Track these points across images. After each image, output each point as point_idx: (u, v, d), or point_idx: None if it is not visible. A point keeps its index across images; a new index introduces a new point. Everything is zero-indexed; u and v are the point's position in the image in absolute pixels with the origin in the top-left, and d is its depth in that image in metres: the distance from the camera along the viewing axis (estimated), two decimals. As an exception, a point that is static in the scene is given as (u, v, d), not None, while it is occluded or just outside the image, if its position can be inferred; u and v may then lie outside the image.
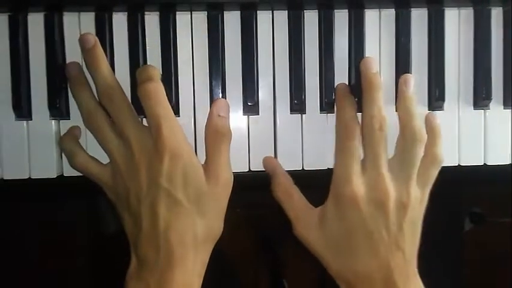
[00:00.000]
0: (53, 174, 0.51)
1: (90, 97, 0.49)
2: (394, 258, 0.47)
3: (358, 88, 0.51)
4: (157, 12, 0.51)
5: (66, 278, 0.82)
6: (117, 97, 0.48)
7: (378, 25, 0.53)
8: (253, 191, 0.64)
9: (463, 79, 0.53)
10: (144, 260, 0.47)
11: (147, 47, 0.51)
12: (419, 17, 0.53)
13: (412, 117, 0.49)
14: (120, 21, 0.51)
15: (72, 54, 0.51)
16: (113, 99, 0.48)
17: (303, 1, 0.51)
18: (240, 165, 0.52)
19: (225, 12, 0.51)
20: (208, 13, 0.51)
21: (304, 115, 0.52)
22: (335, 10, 0.52)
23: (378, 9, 0.53)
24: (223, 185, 0.49)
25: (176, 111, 0.51)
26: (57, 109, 0.51)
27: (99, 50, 0.49)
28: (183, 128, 0.48)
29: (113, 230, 0.82)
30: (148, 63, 0.51)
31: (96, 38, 0.49)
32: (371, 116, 0.48)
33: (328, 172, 0.52)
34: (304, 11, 0.52)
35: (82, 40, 0.49)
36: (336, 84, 0.52)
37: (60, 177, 0.52)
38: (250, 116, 0.52)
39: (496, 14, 0.53)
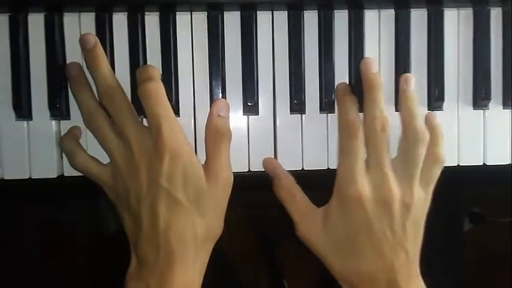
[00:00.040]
0: (53, 174, 0.51)
1: (91, 97, 0.50)
2: (398, 258, 0.47)
3: (359, 88, 0.51)
4: (158, 13, 0.51)
5: (66, 278, 0.82)
6: (118, 97, 0.48)
7: (378, 25, 0.53)
8: (253, 191, 0.64)
9: (463, 79, 0.53)
10: (144, 260, 0.47)
11: (147, 47, 0.51)
12: (418, 18, 0.53)
13: (414, 118, 0.49)
14: (120, 21, 0.51)
15: (73, 54, 0.51)
16: (113, 99, 0.48)
17: (302, 1, 0.51)
18: (240, 165, 0.52)
19: (225, 12, 0.52)
20: (208, 13, 0.51)
21: (304, 115, 0.52)
22: (335, 10, 0.52)
23: (377, 10, 0.53)
24: (223, 184, 0.49)
25: (176, 111, 0.51)
26: (58, 109, 0.51)
27: (100, 50, 0.49)
28: (183, 128, 0.48)
29: (113, 230, 0.82)
30: (148, 63, 0.51)
31: (97, 38, 0.49)
32: (373, 116, 0.48)
33: (328, 172, 0.52)
34: (304, 11, 0.52)
35: (82, 40, 0.49)
36: (335, 85, 0.52)
37: (61, 177, 0.52)
38: (250, 116, 0.53)
39: (495, 15, 0.53)
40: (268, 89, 0.52)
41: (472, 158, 0.54)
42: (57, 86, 0.51)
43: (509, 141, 0.54)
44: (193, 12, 0.52)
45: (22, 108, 0.51)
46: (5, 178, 0.51)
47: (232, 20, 0.52)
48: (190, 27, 0.52)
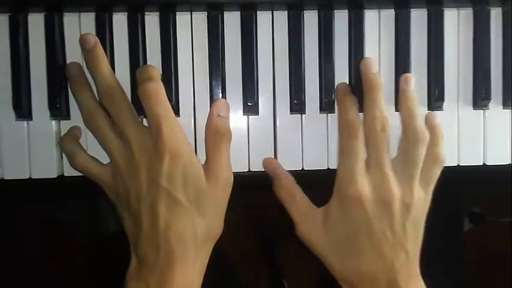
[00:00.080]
0: (53, 174, 0.51)
1: (91, 97, 0.50)
2: (398, 258, 0.47)
3: (358, 88, 0.51)
4: (158, 13, 0.51)
5: (66, 278, 0.82)
6: (118, 97, 0.48)
7: (378, 25, 0.53)
8: (253, 191, 0.64)
9: (463, 79, 0.53)
10: (144, 260, 0.47)
11: (147, 47, 0.51)
12: (418, 18, 0.53)
13: (415, 118, 0.49)
14: (120, 21, 0.51)
15: (73, 54, 0.51)
16: (113, 100, 0.48)
17: (302, 1, 0.51)
18: (240, 165, 0.52)
19: (225, 12, 0.51)
20: (208, 13, 0.51)
21: (304, 115, 0.52)
22: (335, 10, 0.52)
23: (377, 10, 0.53)
24: (223, 184, 0.49)
25: (176, 111, 0.51)
26: (58, 109, 0.51)
27: (100, 50, 0.49)
28: (183, 128, 0.48)
29: (113, 230, 0.82)
30: (148, 63, 0.51)
31: (97, 38, 0.49)
32: (373, 116, 0.48)
33: (328, 172, 0.52)
34: (304, 11, 0.52)
35: (82, 40, 0.49)
36: (335, 85, 0.52)
37: (61, 177, 0.52)
38: (250, 116, 0.53)
39: (495, 15, 0.53)
40: (268, 89, 0.52)
41: (472, 158, 0.54)
42: (57, 86, 0.51)
43: (509, 141, 0.54)
44: (193, 12, 0.52)
45: (22, 108, 0.50)
46: (5, 178, 0.51)
47: (232, 20, 0.52)
48: (190, 27, 0.52)
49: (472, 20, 0.53)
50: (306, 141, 0.53)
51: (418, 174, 0.48)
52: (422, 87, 0.53)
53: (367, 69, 0.50)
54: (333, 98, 0.52)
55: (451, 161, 0.53)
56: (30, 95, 0.51)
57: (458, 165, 0.53)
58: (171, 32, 0.51)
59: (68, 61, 0.51)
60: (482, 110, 0.54)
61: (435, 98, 0.52)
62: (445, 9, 0.53)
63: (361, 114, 0.50)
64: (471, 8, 0.53)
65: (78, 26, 0.51)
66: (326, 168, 0.53)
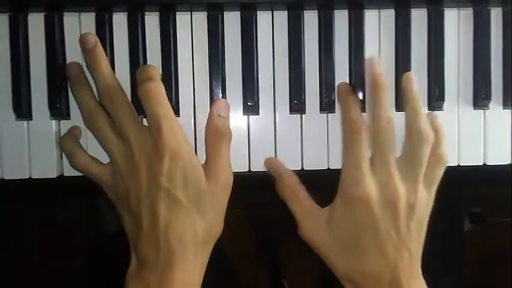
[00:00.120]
0: (53, 174, 0.51)
1: (91, 97, 0.49)
2: (402, 258, 0.47)
3: (359, 88, 0.51)
4: (158, 13, 0.51)
5: (66, 278, 0.82)
6: (118, 97, 0.48)
7: (378, 25, 0.53)
8: (253, 191, 0.64)
9: (463, 79, 0.53)
10: (144, 260, 0.47)
11: (147, 47, 0.51)
12: (419, 18, 0.53)
13: (419, 117, 0.49)
14: (120, 21, 0.51)
15: (73, 54, 0.51)
16: (114, 99, 0.48)
17: (302, 1, 0.51)
18: (240, 165, 0.52)
19: (225, 12, 0.51)
20: (208, 13, 0.51)
21: (304, 115, 0.52)
22: (335, 10, 0.52)
23: (377, 10, 0.53)
24: (223, 184, 0.49)
25: (176, 111, 0.51)
26: (58, 109, 0.51)
27: (100, 50, 0.49)
28: (183, 128, 0.48)
29: (113, 230, 0.82)
30: (148, 63, 0.51)
31: (97, 38, 0.49)
32: (378, 116, 0.48)
33: (328, 172, 0.52)
34: (304, 11, 0.52)
35: (82, 40, 0.49)
36: (336, 85, 0.52)
37: (61, 177, 0.52)
38: (250, 116, 0.52)
39: (496, 15, 0.53)
40: (268, 89, 0.52)
41: (472, 158, 0.54)
42: (57, 86, 0.51)
43: (510, 141, 0.54)
44: (193, 12, 0.52)
45: (22, 108, 0.50)
46: (5, 178, 0.51)
47: (232, 20, 0.52)
48: (190, 27, 0.52)
49: (472, 20, 0.53)
50: (306, 141, 0.53)
51: (422, 174, 0.48)
52: (422, 87, 0.52)
53: (373, 69, 0.50)
54: (333, 97, 0.52)
55: (451, 161, 0.53)
56: (30, 95, 0.51)
57: (458, 165, 0.53)
58: (171, 32, 0.51)
59: (68, 61, 0.51)
60: (482, 110, 0.54)
61: (435, 98, 0.52)
62: (445, 9, 0.53)
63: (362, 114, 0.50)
64: (471, 8, 0.53)
65: (78, 26, 0.51)
66: (326, 168, 0.53)
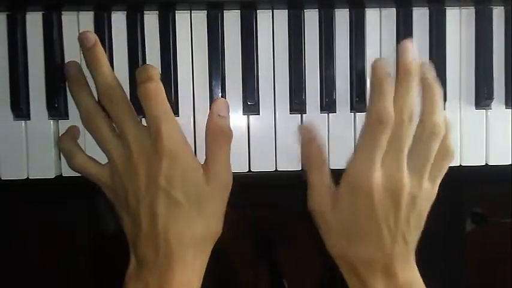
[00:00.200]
0: (51, 174, 0.51)
1: (89, 97, 0.49)
2: (398, 247, 0.47)
3: (359, 89, 0.51)
4: (157, 12, 0.51)
5: (66, 278, 0.82)
6: (117, 97, 0.48)
7: (379, 24, 0.52)
8: (253, 191, 0.64)
9: (465, 79, 0.53)
10: (144, 260, 0.47)
11: (147, 47, 0.51)
12: (420, 17, 0.52)
13: (437, 110, 0.48)
14: (119, 20, 0.51)
15: (71, 53, 0.51)
16: (113, 99, 0.48)
17: (303, 0, 0.51)
18: (240, 165, 0.52)
19: (224, 11, 0.51)
20: (208, 12, 0.51)
21: (304, 115, 0.52)
22: (335, 9, 0.52)
23: (378, 9, 0.52)
24: (223, 185, 0.49)
25: (175, 111, 0.51)
26: (56, 109, 0.50)
27: (100, 48, 0.49)
28: (183, 128, 0.48)
29: (112, 230, 0.82)
30: (147, 62, 0.51)
31: (96, 36, 0.49)
32: (402, 105, 0.47)
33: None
34: (305, 10, 0.52)
35: (82, 38, 0.49)
36: (336, 84, 0.52)
37: (60, 177, 0.52)
38: (250, 116, 0.52)
39: (498, 14, 0.53)
40: (269, 88, 0.52)
41: (474, 158, 0.53)
42: (56, 85, 0.51)
43: (512, 141, 0.53)
44: (193, 11, 0.51)
45: (20, 108, 0.50)
46: (3, 178, 0.51)
47: (232, 19, 0.51)
48: (190, 26, 0.51)
49: (474, 19, 0.53)
50: (306, 141, 0.52)
51: (429, 167, 0.48)
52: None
53: (405, 54, 0.48)
54: (334, 97, 0.52)
55: (453, 161, 0.52)
56: (28, 94, 0.51)
57: (460, 165, 0.53)
58: (171, 31, 0.51)
59: (66, 61, 0.51)
60: (484, 110, 0.53)
61: (437, 97, 0.52)
62: (447, 8, 0.53)
63: (361, 114, 0.50)
64: (473, 7, 0.53)
65: (77, 25, 0.51)
66: (326, 168, 0.52)
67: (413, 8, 0.52)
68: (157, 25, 0.51)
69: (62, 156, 0.51)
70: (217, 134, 0.49)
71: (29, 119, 0.51)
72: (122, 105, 0.48)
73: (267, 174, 0.52)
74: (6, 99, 0.50)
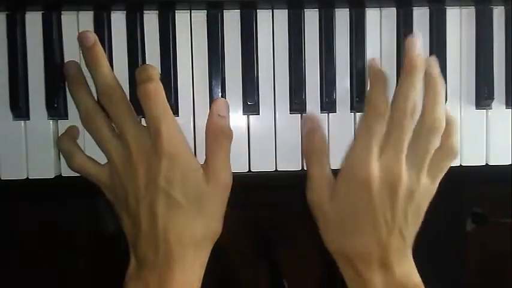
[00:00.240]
0: (50, 174, 0.51)
1: (89, 97, 0.49)
2: (395, 241, 0.47)
3: (359, 89, 0.50)
4: (157, 11, 0.51)
5: (66, 278, 0.82)
6: (117, 97, 0.48)
7: (379, 24, 0.52)
8: (253, 191, 0.64)
9: (465, 78, 0.53)
10: (143, 260, 0.47)
11: (146, 46, 0.51)
12: (420, 16, 0.52)
13: (439, 104, 0.48)
14: (118, 20, 0.51)
15: (71, 53, 0.50)
16: (113, 99, 0.48)
17: (303, 0, 0.51)
18: (240, 165, 0.52)
19: (224, 11, 0.51)
20: (207, 12, 0.51)
21: (304, 115, 0.52)
22: (336, 9, 0.52)
23: (379, 8, 0.52)
24: (223, 185, 0.48)
25: (175, 111, 0.51)
26: (55, 109, 0.50)
27: (99, 48, 0.49)
28: (182, 128, 0.48)
29: (112, 230, 0.82)
30: (147, 62, 0.51)
31: (96, 36, 0.49)
32: (406, 98, 0.47)
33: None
34: (305, 9, 0.52)
35: (81, 38, 0.49)
36: (336, 84, 0.52)
37: (60, 177, 0.51)
38: (250, 116, 0.52)
39: (498, 13, 0.53)
40: (269, 88, 0.52)
41: (474, 158, 0.53)
42: (55, 85, 0.50)
43: (512, 141, 0.53)
44: (192, 11, 0.51)
45: (19, 108, 0.50)
46: (2, 178, 0.51)
47: (232, 19, 0.51)
48: (190, 26, 0.51)
49: (475, 18, 0.53)
50: (306, 141, 0.52)
51: (427, 162, 0.48)
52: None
53: (411, 49, 0.48)
54: (334, 97, 0.52)
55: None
56: (28, 94, 0.51)
57: (460, 165, 0.53)
58: (171, 31, 0.51)
59: (65, 60, 0.50)
60: (485, 110, 0.53)
61: (437, 97, 0.52)
62: (447, 7, 0.52)
63: (361, 114, 0.50)
64: (473, 7, 0.53)
65: (76, 25, 0.51)
66: (326, 168, 0.52)
67: (414, 8, 0.52)
68: (157, 25, 0.51)
69: (61, 156, 0.51)
70: (217, 134, 0.49)
71: (29, 119, 0.51)
72: (122, 105, 0.48)
73: (267, 174, 0.52)
74: (5, 99, 0.50)
